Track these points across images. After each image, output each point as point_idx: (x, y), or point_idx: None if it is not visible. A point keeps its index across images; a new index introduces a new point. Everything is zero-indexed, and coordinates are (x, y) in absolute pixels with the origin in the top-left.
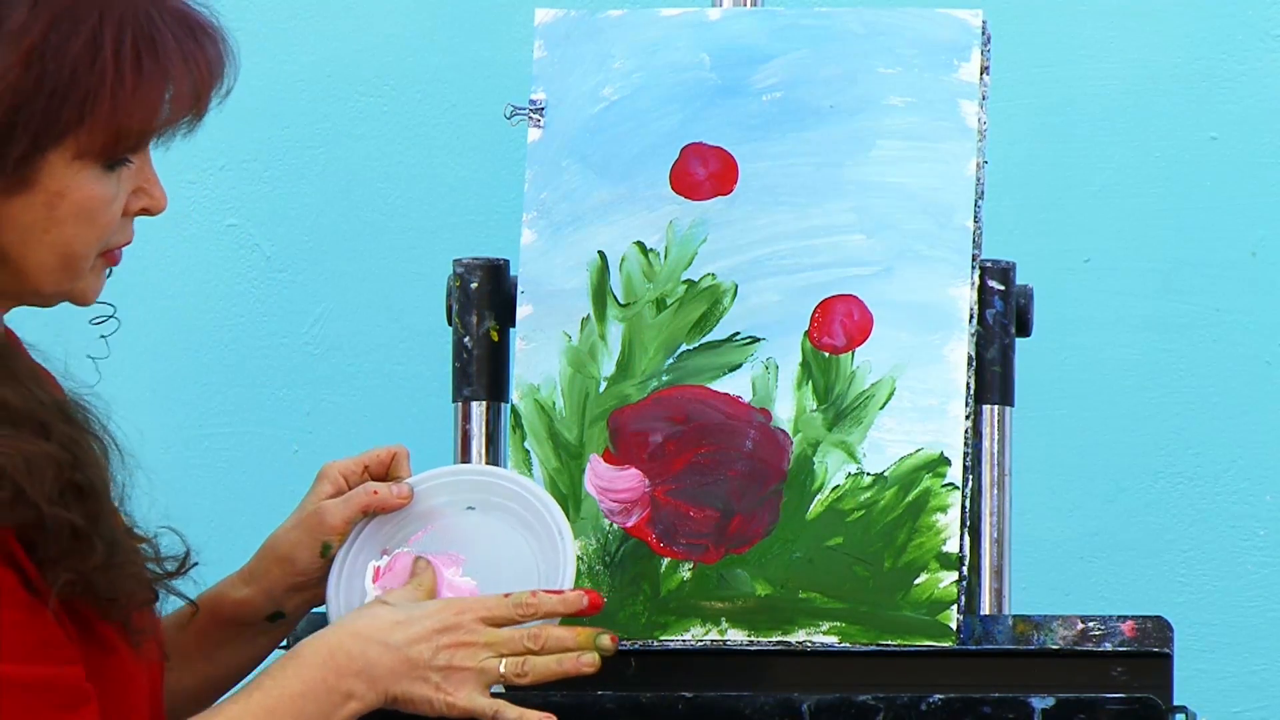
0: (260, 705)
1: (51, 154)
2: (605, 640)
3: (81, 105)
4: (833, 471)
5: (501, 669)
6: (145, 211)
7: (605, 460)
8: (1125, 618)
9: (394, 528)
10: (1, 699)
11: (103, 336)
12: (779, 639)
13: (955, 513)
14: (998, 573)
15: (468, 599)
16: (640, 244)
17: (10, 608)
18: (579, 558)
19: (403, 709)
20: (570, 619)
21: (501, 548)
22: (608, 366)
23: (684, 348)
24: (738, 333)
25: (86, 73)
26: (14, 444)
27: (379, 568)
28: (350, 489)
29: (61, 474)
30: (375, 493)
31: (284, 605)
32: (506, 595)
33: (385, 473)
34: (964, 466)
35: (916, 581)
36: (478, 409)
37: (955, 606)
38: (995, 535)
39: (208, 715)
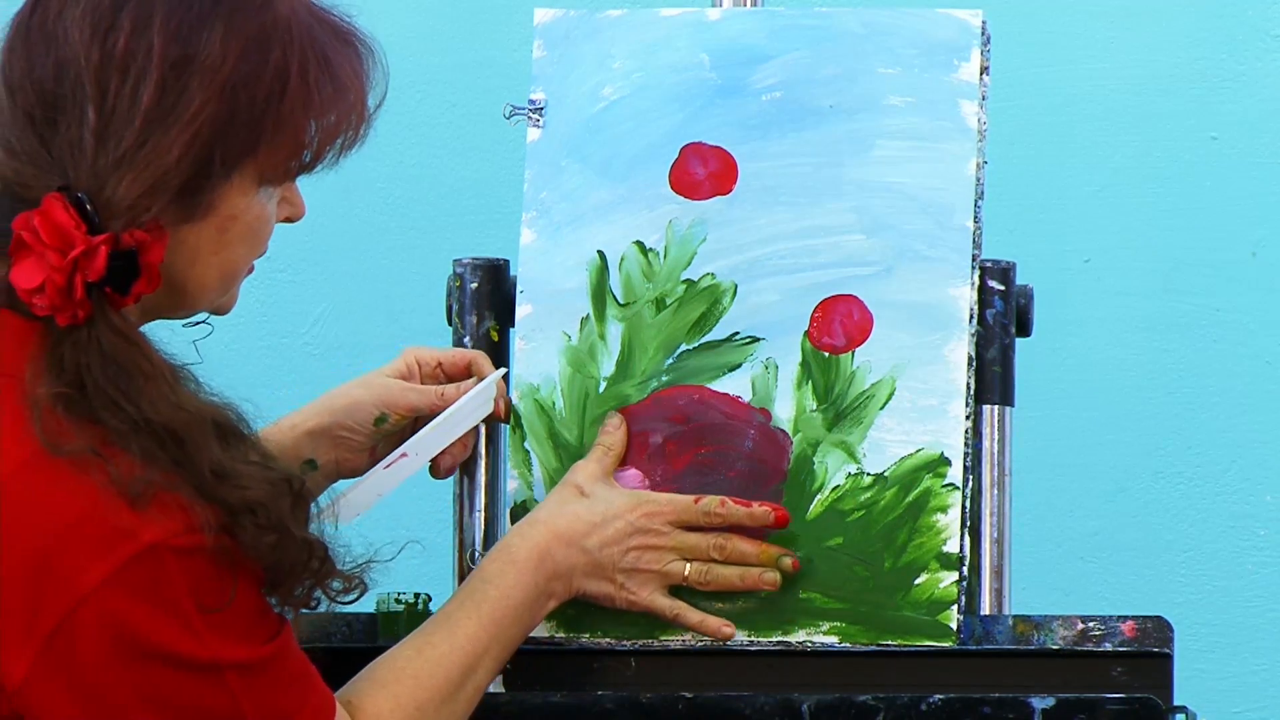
0: (491, 619)
1: (235, 179)
2: (787, 561)
3: (273, 132)
4: (833, 471)
5: (686, 573)
6: (288, 220)
7: None
8: (1125, 618)
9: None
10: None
11: (194, 342)
12: (779, 639)
13: (955, 513)
14: (998, 573)
15: (659, 498)
16: (640, 244)
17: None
18: None
19: (585, 599)
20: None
21: None
22: (607, 366)
23: (684, 348)
24: (737, 333)
25: (277, 101)
26: (264, 473)
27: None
28: (421, 378)
29: (293, 491)
30: (442, 394)
31: (318, 454)
32: (697, 500)
33: (459, 373)
34: (964, 466)
35: (917, 581)
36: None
37: (955, 606)
38: (995, 535)
39: (445, 629)
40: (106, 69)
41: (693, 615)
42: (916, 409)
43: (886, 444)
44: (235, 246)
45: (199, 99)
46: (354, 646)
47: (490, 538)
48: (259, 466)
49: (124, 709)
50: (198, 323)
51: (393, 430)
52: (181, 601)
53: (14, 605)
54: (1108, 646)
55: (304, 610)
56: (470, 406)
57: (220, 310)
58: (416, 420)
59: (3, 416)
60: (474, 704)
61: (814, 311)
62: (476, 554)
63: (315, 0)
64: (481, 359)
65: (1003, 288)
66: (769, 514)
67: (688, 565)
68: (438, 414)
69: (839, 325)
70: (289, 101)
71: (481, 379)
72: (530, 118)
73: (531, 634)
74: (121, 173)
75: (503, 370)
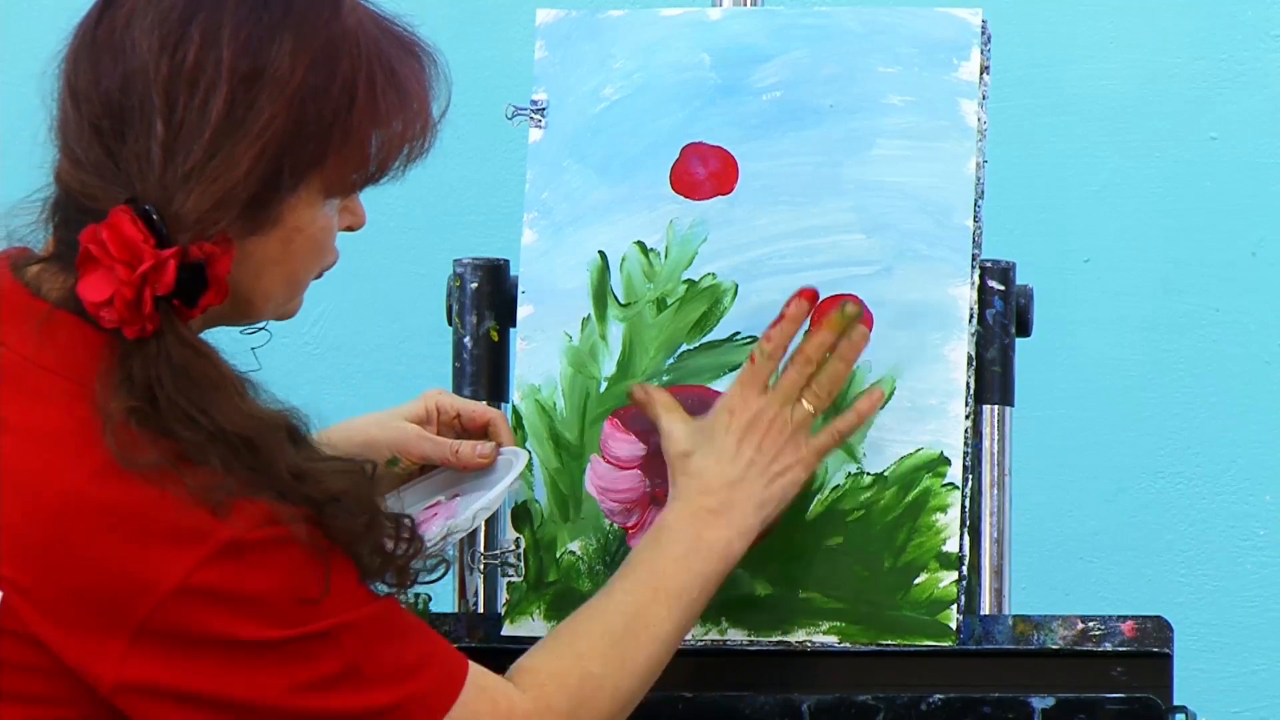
0: (649, 573)
1: (302, 192)
2: (849, 307)
3: (340, 144)
4: (832, 471)
5: (808, 407)
6: (349, 228)
7: (605, 460)
8: (1125, 618)
9: (474, 477)
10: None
11: (253, 349)
12: (779, 639)
13: (955, 512)
14: (998, 573)
15: (731, 392)
16: (641, 244)
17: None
18: (578, 556)
19: (782, 507)
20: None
21: None
22: (608, 366)
23: (684, 347)
24: (738, 332)
25: (345, 114)
26: (340, 465)
27: (440, 501)
28: (439, 424)
29: (369, 476)
30: (456, 452)
31: None
32: (751, 360)
33: (476, 429)
34: (964, 466)
35: (916, 581)
36: (485, 406)
37: (955, 606)
38: (995, 535)
39: (604, 590)
40: (175, 82)
41: (843, 422)
42: (916, 409)
43: (886, 444)
44: (299, 258)
45: (268, 112)
46: None
47: (490, 538)
48: (333, 460)
49: (224, 682)
50: (256, 330)
51: (402, 474)
52: (270, 593)
53: (92, 615)
54: (1108, 646)
55: (403, 592)
56: (501, 495)
57: (285, 316)
58: (424, 467)
59: (71, 425)
60: (659, 646)
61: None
62: (479, 554)
63: (379, 11)
64: (500, 422)
65: (1003, 288)
66: (800, 301)
67: (803, 402)
68: (446, 465)
69: None
70: (357, 113)
71: (496, 443)
72: (531, 118)
73: (532, 634)
74: (190, 186)
75: (526, 456)
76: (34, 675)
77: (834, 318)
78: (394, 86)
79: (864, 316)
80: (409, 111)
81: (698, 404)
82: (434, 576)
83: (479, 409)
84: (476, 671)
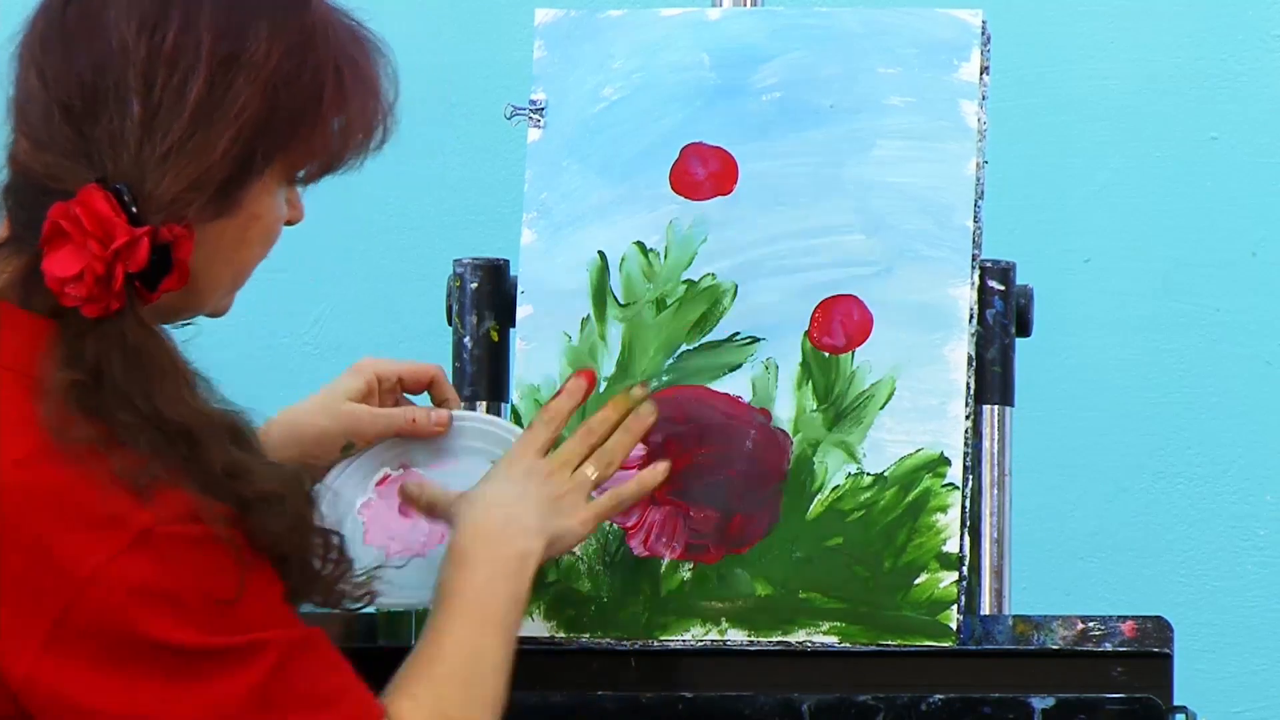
0: (465, 612)
1: (266, 178)
2: (636, 390)
3: (308, 134)
4: (833, 471)
5: (590, 473)
6: (289, 223)
7: None
8: (1125, 618)
9: (421, 447)
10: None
11: (183, 341)
12: (779, 639)
13: (955, 513)
14: (998, 573)
15: (516, 448)
16: (640, 244)
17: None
18: (578, 556)
19: (558, 553)
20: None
21: None
22: (608, 367)
23: (684, 348)
24: (738, 333)
25: (315, 102)
26: (277, 469)
27: (389, 476)
28: (381, 393)
29: (305, 486)
30: (413, 420)
31: None
32: (529, 427)
33: (419, 389)
34: (964, 466)
35: (916, 581)
36: (478, 409)
37: (955, 606)
38: (995, 535)
39: (430, 645)
40: (154, 63)
41: (628, 486)
42: (916, 409)
43: (886, 444)
44: (252, 246)
45: (244, 96)
46: (354, 647)
47: None
48: (272, 466)
49: (132, 697)
50: (186, 324)
51: (358, 453)
52: (185, 591)
53: (15, 598)
54: (1108, 646)
55: (323, 612)
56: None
57: (218, 312)
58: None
59: (9, 410)
60: (499, 676)
61: (814, 311)
62: None
63: (335, 5)
64: (441, 378)
65: (1003, 288)
66: (580, 381)
67: (586, 467)
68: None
69: (839, 325)
70: (325, 102)
71: (444, 401)
72: (531, 118)
73: (531, 634)
74: (166, 166)
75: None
76: None
77: (619, 399)
78: (358, 78)
79: (645, 394)
80: (370, 103)
81: (698, 404)
82: (357, 605)
83: (419, 368)
84: None
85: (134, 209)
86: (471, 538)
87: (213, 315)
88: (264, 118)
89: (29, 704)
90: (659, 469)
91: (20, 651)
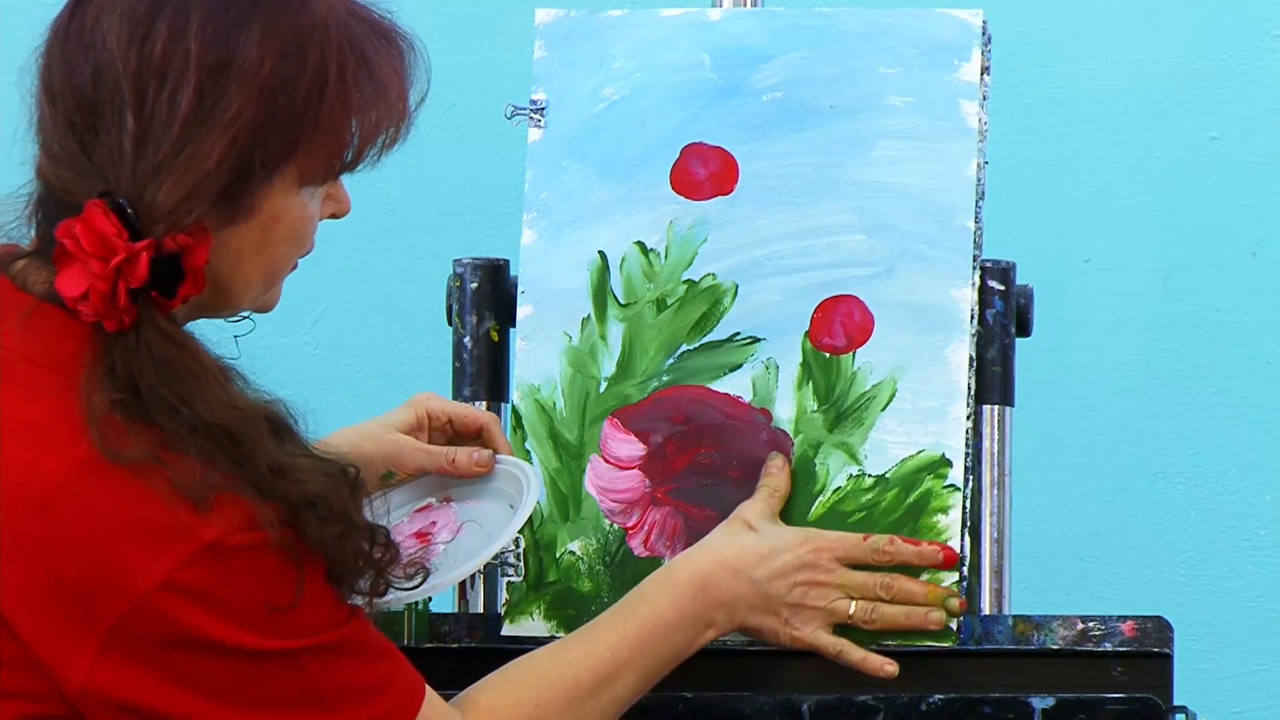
0: (636, 634)
1: (276, 181)
2: (954, 602)
3: (311, 134)
4: (834, 473)
5: (851, 611)
6: (334, 216)
7: (605, 460)
8: (1125, 618)
9: (463, 482)
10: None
11: (235, 337)
12: None
13: (956, 514)
14: (998, 573)
15: (827, 535)
16: (640, 244)
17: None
18: (578, 556)
19: (747, 635)
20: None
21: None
22: (608, 367)
23: (684, 348)
24: (738, 333)
25: (316, 103)
26: (320, 465)
27: (431, 504)
28: (430, 430)
29: (349, 481)
30: (453, 461)
31: None
32: (865, 538)
33: (469, 434)
34: (964, 467)
35: None
36: (478, 409)
37: None
38: (995, 535)
39: (586, 637)
40: (144, 75)
41: (855, 653)
42: (918, 410)
43: (888, 445)
44: (278, 246)
45: (237, 103)
46: None
47: None
48: (314, 459)
49: (191, 699)
50: (241, 319)
51: (396, 486)
52: (246, 599)
53: (69, 610)
54: (1108, 646)
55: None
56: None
57: (263, 308)
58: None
59: (59, 417)
60: (616, 710)
61: (814, 312)
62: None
63: None
64: (494, 426)
65: (1003, 288)
66: (937, 553)
67: (853, 604)
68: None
69: (840, 326)
70: (328, 102)
71: (492, 450)
72: (531, 118)
73: (531, 634)
74: (161, 178)
75: (533, 468)
76: (8, 669)
77: (938, 593)
78: (367, 74)
79: (960, 611)
80: (383, 99)
81: (698, 404)
82: (412, 584)
83: (471, 413)
84: (430, 700)
85: (136, 222)
86: (694, 571)
87: (259, 311)
88: (261, 123)
89: (89, 712)
90: (875, 664)
91: (74, 660)
